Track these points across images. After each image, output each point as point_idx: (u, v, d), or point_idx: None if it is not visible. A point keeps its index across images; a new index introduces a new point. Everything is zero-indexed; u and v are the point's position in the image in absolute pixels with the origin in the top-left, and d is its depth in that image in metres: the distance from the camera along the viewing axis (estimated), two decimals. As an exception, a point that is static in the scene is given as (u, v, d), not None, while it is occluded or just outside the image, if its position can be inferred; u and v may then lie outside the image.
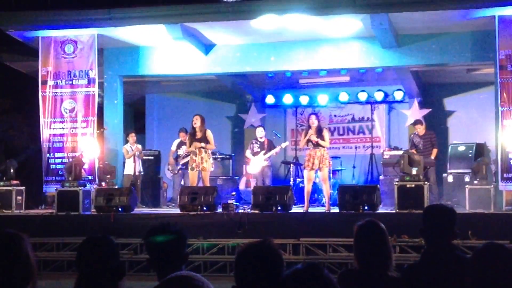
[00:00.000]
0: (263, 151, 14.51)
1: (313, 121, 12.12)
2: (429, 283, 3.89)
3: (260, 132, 14.77)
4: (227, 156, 15.82)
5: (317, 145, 12.02)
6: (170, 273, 3.49)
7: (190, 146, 12.73)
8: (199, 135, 12.69)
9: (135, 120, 19.91)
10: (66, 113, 14.18)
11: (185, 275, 2.01)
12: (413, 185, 11.32)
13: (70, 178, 12.46)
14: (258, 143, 14.70)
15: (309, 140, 12.09)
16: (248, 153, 14.80)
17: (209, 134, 12.81)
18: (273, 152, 14.57)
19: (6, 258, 3.55)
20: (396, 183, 11.54)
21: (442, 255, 3.92)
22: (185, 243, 3.57)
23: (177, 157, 14.85)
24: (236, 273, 2.84)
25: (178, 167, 14.71)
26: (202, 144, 12.52)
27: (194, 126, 12.74)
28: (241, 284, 2.78)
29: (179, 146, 14.86)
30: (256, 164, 14.55)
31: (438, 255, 3.93)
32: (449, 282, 3.82)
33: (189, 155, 13.12)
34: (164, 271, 3.52)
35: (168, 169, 15.58)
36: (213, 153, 15.60)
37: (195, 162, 12.66)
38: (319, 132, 12.11)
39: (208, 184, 12.79)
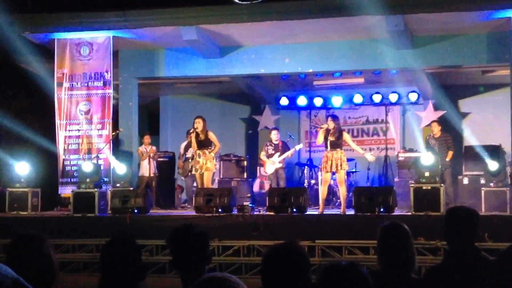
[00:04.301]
0: (278, 153, 14.48)
1: (329, 124, 12.08)
2: (452, 285, 3.87)
3: (274, 135, 14.73)
4: (242, 158, 15.79)
5: (334, 146, 12.00)
6: (194, 274, 3.51)
7: (196, 148, 12.74)
8: (202, 137, 12.73)
9: (149, 122, 19.95)
10: (82, 115, 14.24)
11: (220, 276, 2.01)
12: (429, 187, 11.28)
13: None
14: (273, 145, 14.66)
15: (326, 140, 12.07)
16: (262, 155, 14.76)
17: (212, 135, 12.85)
18: (287, 154, 14.53)
19: (29, 259, 3.58)
20: (412, 185, 11.50)
21: (465, 257, 3.91)
22: (208, 244, 3.59)
23: (185, 160, 14.82)
24: (263, 275, 2.84)
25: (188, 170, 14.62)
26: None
27: (196, 129, 12.75)
28: (268, 286, 2.78)
29: (186, 148, 14.83)
30: (270, 166, 14.53)
31: (461, 257, 3.92)
32: (473, 284, 3.80)
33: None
34: (188, 272, 3.55)
35: (179, 172, 15.58)
36: (227, 155, 15.66)
37: (198, 163, 12.71)
38: (338, 134, 12.07)
39: (210, 185, 12.85)
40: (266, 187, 15.90)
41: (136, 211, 12.03)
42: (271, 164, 14.47)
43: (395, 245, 3.93)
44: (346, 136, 12.26)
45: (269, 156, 14.53)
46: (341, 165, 12.00)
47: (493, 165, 12.32)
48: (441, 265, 4.06)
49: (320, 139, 12.23)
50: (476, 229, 3.98)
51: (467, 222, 3.98)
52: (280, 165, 14.50)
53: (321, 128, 12.31)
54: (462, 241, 3.94)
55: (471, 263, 3.88)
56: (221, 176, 15.41)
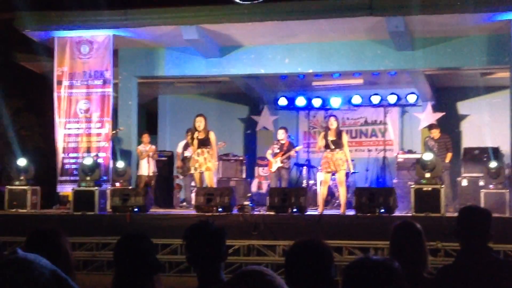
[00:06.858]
0: (282, 153, 14.38)
1: (332, 123, 12.10)
2: (464, 285, 3.88)
3: (281, 134, 14.61)
4: (241, 158, 15.78)
5: (335, 146, 12.01)
6: (210, 270, 3.52)
7: (197, 147, 12.58)
8: (202, 135, 12.61)
9: (147, 121, 19.93)
10: (81, 113, 14.22)
11: (257, 270, 2.02)
12: (429, 188, 11.29)
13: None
14: (279, 144, 14.54)
15: (327, 143, 12.07)
16: (268, 154, 14.62)
17: (212, 135, 12.63)
18: (287, 155, 14.43)
19: (46, 255, 3.57)
20: (413, 186, 11.51)
21: (477, 257, 3.91)
22: (224, 241, 3.59)
23: (184, 159, 14.79)
24: (287, 271, 2.83)
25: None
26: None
27: (197, 127, 12.58)
28: (292, 283, 2.77)
29: (185, 147, 14.80)
30: (274, 165, 14.40)
31: (474, 257, 3.92)
32: (485, 284, 3.82)
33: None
34: (204, 269, 3.55)
35: (178, 171, 15.58)
36: (226, 155, 15.65)
37: (197, 162, 12.56)
38: (338, 134, 12.10)
39: (213, 185, 12.77)
40: (264, 187, 15.90)
41: (136, 209, 12.02)
42: (275, 163, 14.36)
43: (408, 244, 3.94)
44: (345, 138, 12.26)
45: (275, 155, 14.42)
46: (342, 166, 12.01)
47: (493, 165, 12.38)
48: (453, 265, 4.06)
49: (320, 143, 12.24)
50: (489, 229, 3.98)
51: (480, 222, 3.99)
52: (282, 164, 14.36)
53: (326, 133, 12.21)
54: (475, 241, 3.94)
55: (484, 263, 3.89)
56: (220, 176, 15.39)
